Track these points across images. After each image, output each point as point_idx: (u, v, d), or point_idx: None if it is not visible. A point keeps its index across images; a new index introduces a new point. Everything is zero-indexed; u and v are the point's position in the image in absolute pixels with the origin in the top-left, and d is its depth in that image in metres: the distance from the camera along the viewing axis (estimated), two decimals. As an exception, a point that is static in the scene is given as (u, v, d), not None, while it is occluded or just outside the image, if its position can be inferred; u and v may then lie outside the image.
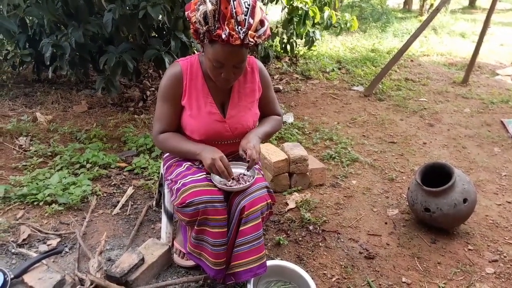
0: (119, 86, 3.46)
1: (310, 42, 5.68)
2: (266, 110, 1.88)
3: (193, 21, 1.47)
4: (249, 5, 1.43)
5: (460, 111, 4.38)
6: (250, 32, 1.43)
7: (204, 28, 1.44)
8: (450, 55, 7.03)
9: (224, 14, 1.41)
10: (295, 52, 5.92)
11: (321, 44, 6.99)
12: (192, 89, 1.68)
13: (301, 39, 5.73)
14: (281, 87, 4.83)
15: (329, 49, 6.94)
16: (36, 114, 3.55)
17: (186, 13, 1.52)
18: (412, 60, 6.40)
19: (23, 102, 3.87)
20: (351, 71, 5.68)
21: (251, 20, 1.43)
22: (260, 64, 1.80)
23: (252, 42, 1.46)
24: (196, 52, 4.45)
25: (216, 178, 1.67)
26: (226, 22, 1.41)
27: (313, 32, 5.59)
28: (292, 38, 5.68)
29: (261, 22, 1.46)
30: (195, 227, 1.64)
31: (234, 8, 1.40)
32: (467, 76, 5.31)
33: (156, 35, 3.86)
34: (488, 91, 5.04)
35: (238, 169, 1.74)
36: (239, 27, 1.41)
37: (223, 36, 1.41)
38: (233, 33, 1.41)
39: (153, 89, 4.40)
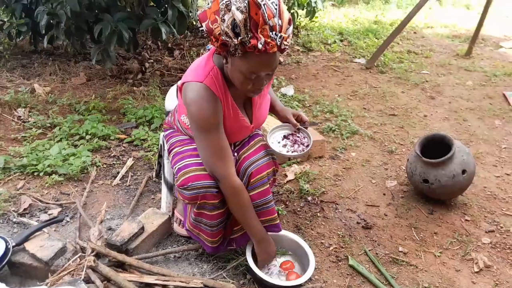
0: (114, 57, 3.39)
1: (311, 12, 5.55)
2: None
3: (217, 33, 1.30)
4: (276, 5, 1.28)
5: (462, 83, 4.33)
6: (283, 35, 1.31)
7: (236, 40, 1.28)
8: (454, 27, 6.89)
9: (255, 21, 1.26)
10: (297, 23, 5.80)
11: (323, 15, 6.84)
12: (224, 106, 1.56)
13: (303, 9, 5.60)
14: (281, 59, 4.76)
15: (331, 20, 6.79)
16: (34, 85, 3.51)
17: (202, 24, 1.34)
18: (415, 32, 6.27)
19: (21, 73, 3.83)
20: (353, 43, 5.58)
21: (280, 22, 1.29)
22: None
23: (287, 45, 1.34)
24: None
25: (275, 146, 1.76)
26: (259, 30, 1.26)
27: (315, 2, 5.45)
28: (293, 9, 5.55)
29: (289, 21, 1.34)
30: (194, 210, 1.67)
31: (266, 13, 1.25)
32: (470, 49, 5.21)
33: (154, 4, 3.77)
34: (491, 64, 4.97)
35: (284, 131, 1.87)
36: (273, 32, 1.28)
37: (260, 46, 1.27)
38: (269, 40, 1.27)
39: (151, 60, 4.34)
